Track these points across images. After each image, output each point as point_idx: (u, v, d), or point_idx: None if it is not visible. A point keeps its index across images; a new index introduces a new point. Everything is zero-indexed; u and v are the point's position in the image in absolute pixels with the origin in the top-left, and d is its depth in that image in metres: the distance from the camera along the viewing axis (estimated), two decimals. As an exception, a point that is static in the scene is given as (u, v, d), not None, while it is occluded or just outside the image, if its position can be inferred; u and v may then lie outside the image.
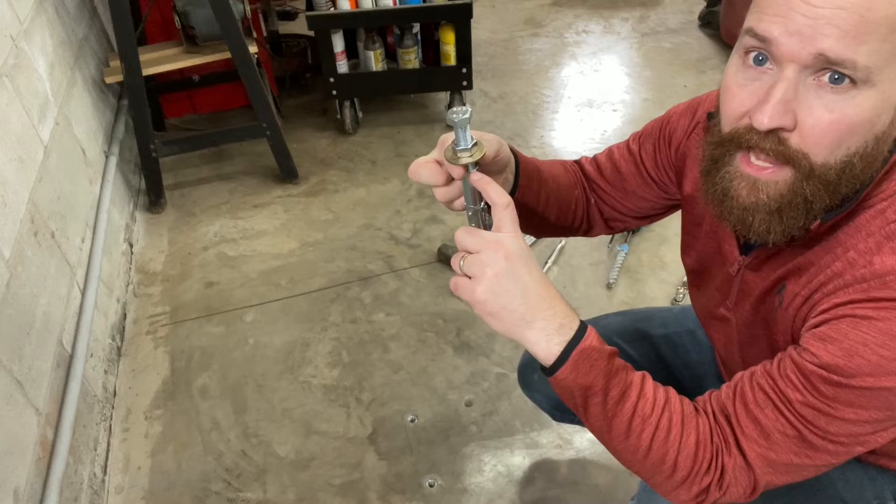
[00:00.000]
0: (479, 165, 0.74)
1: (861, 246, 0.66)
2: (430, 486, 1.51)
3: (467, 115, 0.69)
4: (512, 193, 0.87)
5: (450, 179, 0.76)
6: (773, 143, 0.63)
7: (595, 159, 1.02)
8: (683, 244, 0.99)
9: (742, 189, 0.67)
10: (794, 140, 0.63)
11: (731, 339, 0.92)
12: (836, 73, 0.59)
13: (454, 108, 0.70)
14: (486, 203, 0.74)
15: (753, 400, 0.69)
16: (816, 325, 0.67)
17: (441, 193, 0.77)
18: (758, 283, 0.80)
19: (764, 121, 0.62)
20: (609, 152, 1.01)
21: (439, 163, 0.76)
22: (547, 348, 0.71)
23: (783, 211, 0.66)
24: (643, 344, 1.17)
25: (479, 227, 0.75)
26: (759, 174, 0.66)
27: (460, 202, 0.78)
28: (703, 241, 0.91)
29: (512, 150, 0.87)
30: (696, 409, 0.74)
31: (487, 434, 1.61)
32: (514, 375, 1.73)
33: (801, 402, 0.66)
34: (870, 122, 0.61)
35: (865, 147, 0.62)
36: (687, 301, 1.90)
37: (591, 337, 0.72)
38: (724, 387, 0.74)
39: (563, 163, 1.02)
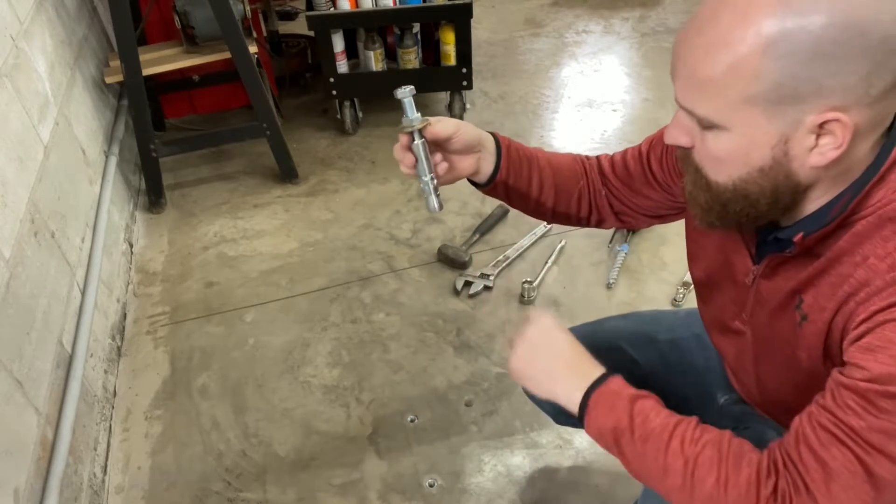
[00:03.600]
0: (430, 141, 0.90)
1: (880, 251, 0.66)
2: (430, 486, 1.51)
3: (407, 90, 0.87)
4: (494, 173, 0.98)
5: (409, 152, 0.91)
6: (681, 154, 0.77)
7: (612, 156, 1.07)
8: (690, 254, 1.00)
9: (684, 182, 0.80)
10: (693, 156, 0.75)
11: (743, 352, 0.92)
12: None
13: (399, 88, 0.87)
14: (434, 177, 0.91)
15: (817, 441, 0.67)
16: (859, 338, 0.66)
17: (403, 165, 0.92)
18: (773, 294, 0.80)
19: (666, 138, 0.77)
20: (625, 151, 1.06)
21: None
22: (571, 397, 0.83)
23: (708, 210, 0.76)
24: (649, 349, 1.16)
25: (428, 198, 0.91)
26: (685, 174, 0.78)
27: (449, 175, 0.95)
28: (712, 252, 0.92)
29: (498, 137, 0.99)
30: (756, 449, 0.73)
31: (487, 434, 1.61)
32: (514, 375, 1.73)
33: (866, 429, 0.64)
34: (738, 158, 0.69)
35: (750, 177, 0.70)
36: (687, 302, 1.90)
37: (613, 383, 0.81)
38: (787, 434, 0.72)
39: (575, 156, 1.07)
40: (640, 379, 1.12)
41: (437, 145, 0.92)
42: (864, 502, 0.65)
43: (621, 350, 1.16)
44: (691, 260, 0.99)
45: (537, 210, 1.05)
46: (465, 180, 1.01)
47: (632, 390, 0.81)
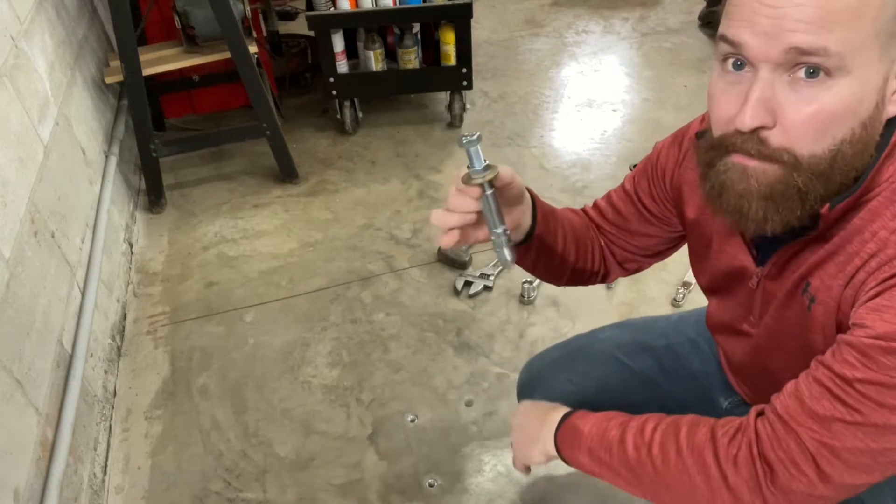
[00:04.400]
0: (496, 190, 0.78)
1: (891, 224, 0.65)
2: (430, 486, 1.51)
3: (476, 137, 0.74)
4: (532, 231, 0.89)
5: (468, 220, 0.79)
6: (755, 143, 0.66)
7: (595, 205, 1.05)
8: (695, 269, 0.99)
9: (735, 177, 0.68)
10: (775, 138, 0.65)
11: (749, 352, 0.92)
12: (810, 66, 0.61)
13: (464, 134, 0.74)
14: (506, 228, 0.79)
15: (808, 394, 0.67)
16: (868, 300, 0.65)
17: (448, 222, 0.79)
18: (778, 290, 0.80)
19: (746, 122, 0.64)
20: (608, 196, 1.03)
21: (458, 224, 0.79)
22: (549, 448, 0.92)
23: (776, 199, 0.67)
24: (644, 356, 1.15)
25: (502, 250, 0.79)
26: (748, 162, 0.67)
27: (480, 234, 0.82)
28: (714, 261, 0.91)
29: (528, 190, 0.89)
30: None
31: (487, 434, 1.60)
32: (514, 375, 1.73)
33: (861, 381, 0.63)
34: (851, 109, 0.63)
35: (853, 134, 0.64)
36: (687, 302, 1.90)
37: (574, 417, 0.90)
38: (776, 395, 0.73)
39: (573, 210, 1.05)
40: (638, 388, 1.13)
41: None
42: (860, 449, 0.65)
43: (616, 360, 1.15)
44: (696, 272, 0.99)
45: (559, 268, 0.99)
46: None
47: (589, 416, 0.89)
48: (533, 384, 1.21)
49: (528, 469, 1.04)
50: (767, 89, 0.63)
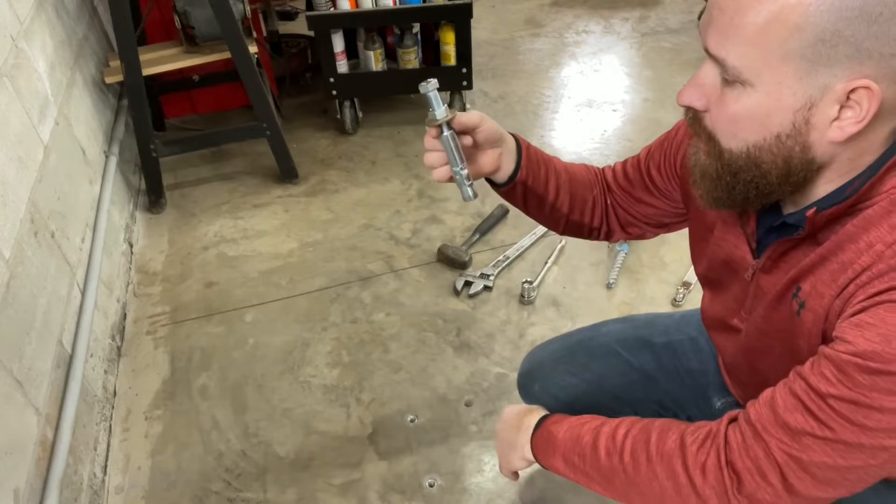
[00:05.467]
0: (460, 133, 0.90)
1: (888, 238, 0.65)
2: (430, 486, 1.51)
3: (431, 84, 0.87)
4: (515, 172, 0.97)
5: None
6: (692, 119, 0.74)
7: (614, 166, 1.08)
8: (693, 253, 1.00)
9: (691, 153, 0.77)
10: (707, 121, 0.72)
11: (741, 349, 0.92)
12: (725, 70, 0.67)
13: (423, 82, 0.87)
14: (465, 166, 0.90)
15: (783, 405, 0.67)
16: (853, 315, 0.66)
17: (429, 161, 0.92)
18: (771, 287, 0.80)
19: (680, 97, 0.72)
20: (626, 161, 1.06)
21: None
22: (527, 453, 0.93)
23: (709, 178, 0.74)
24: (644, 352, 1.16)
25: (462, 187, 0.90)
26: (695, 141, 0.76)
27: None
28: (714, 247, 0.92)
29: (518, 137, 0.98)
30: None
31: (487, 434, 1.60)
32: (514, 375, 1.72)
33: (835, 397, 0.64)
34: (758, 121, 0.67)
35: (765, 144, 0.68)
36: (687, 302, 1.90)
37: (549, 422, 0.91)
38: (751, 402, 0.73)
39: (588, 166, 1.08)
40: (635, 383, 1.13)
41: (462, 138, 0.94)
42: (828, 465, 0.65)
43: (616, 354, 1.16)
44: (694, 258, 0.99)
45: (552, 216, 1.04)
46: (485, 181, 1.01)
47: (563, 421, 0.89)
48: (533, 374, 1.22)
49: (515, 474, 1.05)
50: (705, 76, 0.70)
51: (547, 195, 1.01)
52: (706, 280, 0.98)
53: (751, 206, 0.76)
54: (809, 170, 0.69)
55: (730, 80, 0.66)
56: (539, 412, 0.96)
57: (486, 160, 0.94)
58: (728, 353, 0.97)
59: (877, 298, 0.64)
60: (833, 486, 0.67)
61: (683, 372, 1.14)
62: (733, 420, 0.73)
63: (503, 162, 0.96)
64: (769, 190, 0.71)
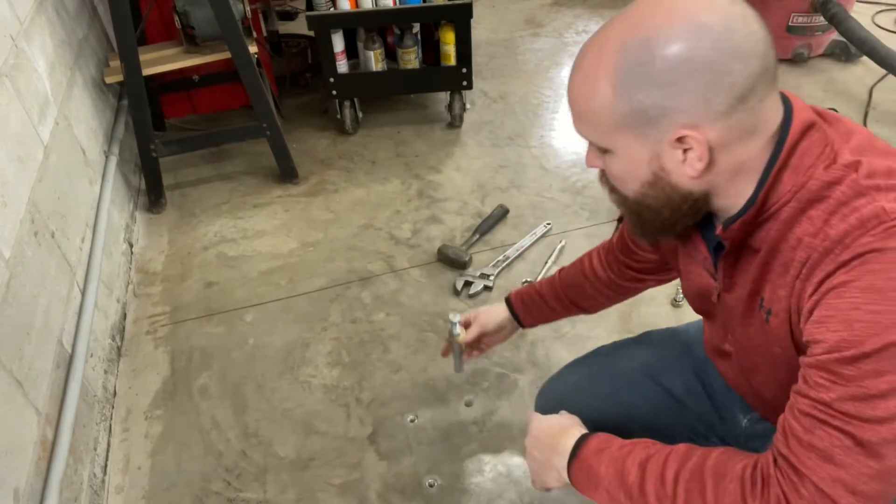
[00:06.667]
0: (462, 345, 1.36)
1: (811, 229, 0.70)
2: (430, 486, 1.51)
3: (457, 316, 1.31)
4: (520, 324, 1.32)
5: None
6: (601, 175, 0.85)
7: (607, 245, 1.21)
8: (682, 287, 1.04)
9: (611, 201, 0.87)
10: (610, 177, 0.83)
11: (736, 373, 0.95)
12: None
13: (451, 313, 1.31)
14: (463, 365, 1.41)
15: (801, 428, 0.68)
16: (811, 313, 0.69)
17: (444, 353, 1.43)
18: (736, 303, 0.84)
19: (586, 162, 0.84)
20: (620, 230, 1.17)
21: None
22: (564, 477, 0.91)
23: (633, 217, 0.84)
24: (671, 376, 1.14)
25: (457, 366, 1.41)
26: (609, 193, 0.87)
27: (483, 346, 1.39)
28: (687, 283, 0.98)
29: (511, 298, 1.31)
30: (746, 456, 0.74)
31: (487, 434, 1.60)
32: (514, 375, 1.73)
33: (837, 400, 0.65)
34: (629, 174, 0.78)
35: (643, 189, 0.78)
36: (687, 303, 1.90)
37: (587, 451, 0.88)
38: (776, 434, 0.72)
39: (582, 259, 1.25)
40: (666, 412, 1.13)
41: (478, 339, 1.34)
42: (867, 475, 0.64)
43: (643, 384, 1.14)
44: (684, 293, 1.03)
45: (573, 316, 1.29)
46: None
47: (605, 448, 0.87)
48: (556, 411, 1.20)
49: (547, 489, 1.02)
50: (592, 147, 0.81)
51: (554, 317, 1.29)
52: (699, 313, 1.02)
53: (669, 234, 0.86)
54: (693, 199, 0.77)
55: (601, 149, 0.78)
56: (573, 433, 0.93)
57: (497, 339, 1.36)
58: (729, 377, 1.00)
59: (822, 288, 0.68)
60: (885, 497, 0.65)
61: (711, 392, 1.12)
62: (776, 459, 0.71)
63: (508, 329, 1.33)
64: (671, 221, 0.81)
